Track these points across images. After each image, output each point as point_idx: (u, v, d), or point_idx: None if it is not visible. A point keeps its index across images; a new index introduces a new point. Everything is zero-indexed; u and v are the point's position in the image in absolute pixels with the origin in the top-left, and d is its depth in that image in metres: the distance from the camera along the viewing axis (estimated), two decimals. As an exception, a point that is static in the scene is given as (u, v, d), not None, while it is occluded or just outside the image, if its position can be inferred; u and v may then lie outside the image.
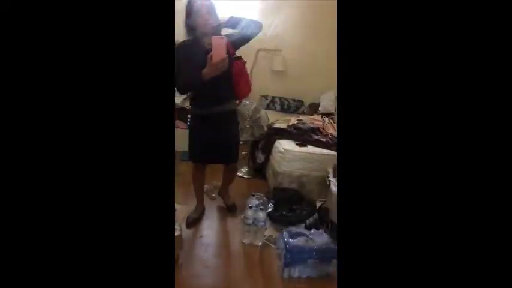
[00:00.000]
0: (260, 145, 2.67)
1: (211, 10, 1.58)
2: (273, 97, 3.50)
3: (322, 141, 2.36)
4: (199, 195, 2.01)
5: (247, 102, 2.54)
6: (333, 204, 1.75)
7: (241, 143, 2.07)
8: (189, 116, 1.98)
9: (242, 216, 1.87)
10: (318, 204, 2.04)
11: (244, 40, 1.67)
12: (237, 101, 1.93)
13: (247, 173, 2.74)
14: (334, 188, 1.77)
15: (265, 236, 1.81)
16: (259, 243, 1.79)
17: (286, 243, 1.56)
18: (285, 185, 2.24)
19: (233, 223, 2.01)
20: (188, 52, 1.62)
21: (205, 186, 2.12)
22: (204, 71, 1.50)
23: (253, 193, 1.90)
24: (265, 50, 3.32)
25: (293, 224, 1.85)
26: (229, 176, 2.07)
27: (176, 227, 1.58)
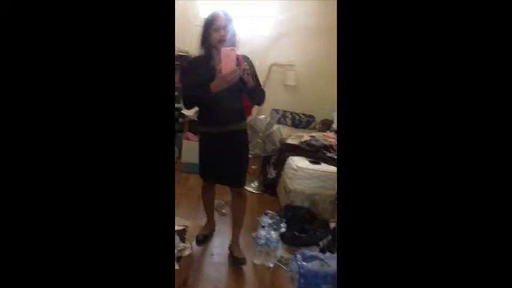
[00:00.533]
0: (272, 160, 2.64)
1: (230, 28, 1.55)
2: (285, 111, 3.48)
3: (335, 159, 2.32)
4: (209, 211, 1.95)
5: (261, 117, 2.52)
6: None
7: (250, 156, 2.01)
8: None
9: (254, 235, 1.81)
10: (332, 225, 1.99)
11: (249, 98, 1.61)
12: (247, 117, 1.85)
13: (257, 188, 2.69)
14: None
15: (277, 257, 1.75)
16: (271, 265, 1.73)
17: (300, 266, 1.50)
18: (297, 203, 2.19)
19: (244, 241, 1.96)
20: (198, 66, 1.61)
21: (216, 201, 2.08)
22: (213, 83, 1.44)
23: (266, 211, 1.86)
24: (278, 64, 3.32)
25: (306, 245, 1.79)
26: (238, 207, 1.78)
27: (186, 245, 1.54)
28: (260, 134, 2.49)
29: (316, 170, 2.22)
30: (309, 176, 2.20)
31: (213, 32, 1.52)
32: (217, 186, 1.93)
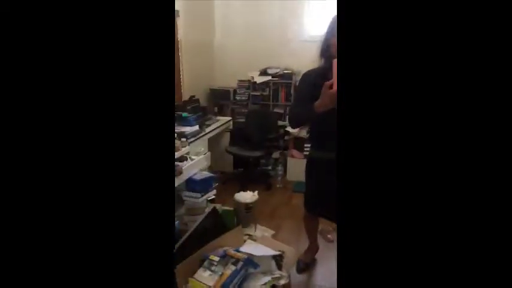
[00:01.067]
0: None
1: None
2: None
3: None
4: (312, 236, 1.77)
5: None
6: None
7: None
8: (305, 146, 1.79)
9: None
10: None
11: None
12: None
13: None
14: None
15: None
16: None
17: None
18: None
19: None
20: (313, 80, 1.35)
21: (321, 226, 1.86)
22: (317, 102, 1.21)
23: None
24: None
25: None
26: None
27: (283, 273, 1.39)
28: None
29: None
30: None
31: (334, 43, 1.23)
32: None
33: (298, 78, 1.75)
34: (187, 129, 2.25)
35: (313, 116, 1.25)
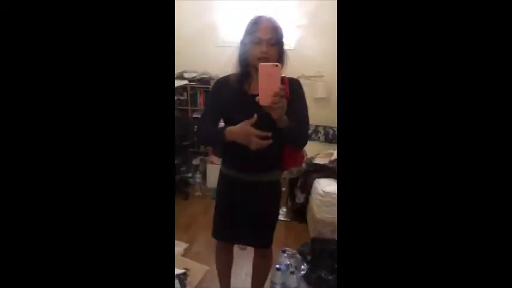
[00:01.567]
0: (299, 183, 2.35)
1: (276, 39, 1.07)
2: (316, 126, 3.18)
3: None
4: (224, 278, 1.47)
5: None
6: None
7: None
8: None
9: (270, 282, 1.54)
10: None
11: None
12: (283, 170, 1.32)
13: (286, 215, 2.41)
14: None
15: (298, 306, 1.45)
16: (291, 317, 1.42)
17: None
18: (327, 235, 1.86)
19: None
20: (223, 89, 1.17)
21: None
22: (230, 130, 1.06)
23: (283, 248, 1.57)
24: (306, 77, 3.06)
25: (335, 291, 1.46)
26: (260, 270, 1.44)
27: (188, 292, 1.33)
28: (283, 155, 2.23)
29: (347, 195, 1.88)
30: (338, 202, 1.87)
31: (252, 46, 1.07)
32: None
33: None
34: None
35: (222, 142, 1.10)
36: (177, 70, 3.09)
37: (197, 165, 3.05)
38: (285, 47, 1.14)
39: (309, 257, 1.67)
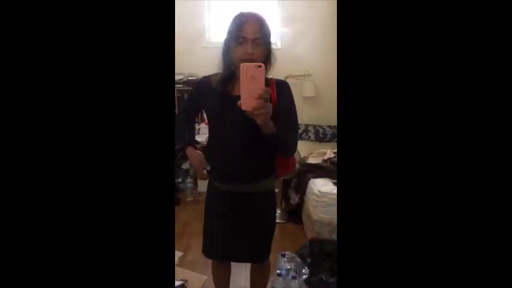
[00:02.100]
0: (293, 184, 2.32)
1: (262, 38, 0.99)
2: (306, 125, 3.17)
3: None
4: None
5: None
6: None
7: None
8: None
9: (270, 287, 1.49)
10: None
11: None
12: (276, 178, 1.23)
13: (280, 216, 2.38)
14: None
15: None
16: (294, 323, 1.39)
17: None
18: (325, 235, 1.84)
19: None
20: (203, 89, 1.10)
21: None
22: (187, 151, 1.08)
23: (282, 253, 1.54)
24: (294, 76, 3.04)
25: (337, 294, 1.43)
26: (259, 282, 1.35)
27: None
28: (276, 156, 2.20)
29: (343, 195, 1.87)
30: (335, 202, 1.85)
31: (236, 46, 0.99)
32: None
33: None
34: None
35: (182, 152, 1.16)
36: (163, 73, 3.01)
37: (187, 170, 2.97)
38: (272, 46, 1.06)
39: (308, 260, 1.64)
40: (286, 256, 1.50)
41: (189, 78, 2.98)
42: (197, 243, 2.08)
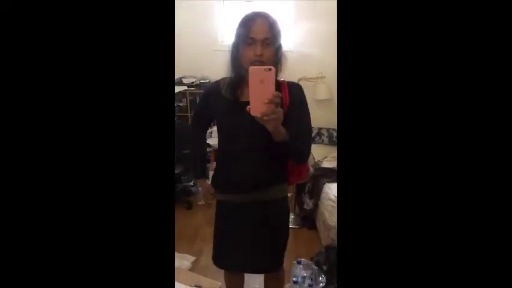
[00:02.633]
0: (307, 188, 2.27)
1: (273, 39, 0.94)
2: (320, 129, 3.11)
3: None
4: None
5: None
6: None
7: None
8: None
9: (285, 294, 1.45)
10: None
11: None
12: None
13: (294, 221, 2.32)
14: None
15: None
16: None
17: None
18: (341, 242, 1.77)
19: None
20: (214, 100, 1.06)
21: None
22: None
23: (298, 260, 1.49)
24: (307, 79, 3.00)
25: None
26: None
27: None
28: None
29: (361, 200, 1.81)
30: (351, 207, 1.79)
31: (245, 48, 0.95)
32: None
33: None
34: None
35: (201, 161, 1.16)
36: (176, 76, 3.02)
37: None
38: (284, 48, 1.01)
39: (325, 267, 1.59)
40: (302, 263, 1.45)
41: (201, 81, 2.97)
42: (210, 248, 2.04)
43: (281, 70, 1.00)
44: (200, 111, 1.23)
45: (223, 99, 1.02)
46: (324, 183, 2.05)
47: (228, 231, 1.14)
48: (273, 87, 0.81)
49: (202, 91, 2.93)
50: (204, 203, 2.71)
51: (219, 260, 1.20)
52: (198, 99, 3.02)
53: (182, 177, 2.87)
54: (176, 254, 1.52)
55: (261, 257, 1.13)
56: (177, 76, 3.02)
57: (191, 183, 2.90)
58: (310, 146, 1.11)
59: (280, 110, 0.84)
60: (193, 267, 1.85)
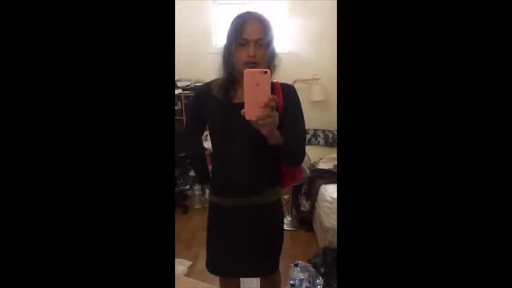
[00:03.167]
0: (303, 190, 2.26)
1: (266, 40, 0.91)
2: (315, 130, 3.12)
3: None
4: None
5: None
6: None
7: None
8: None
9: (283, 298, 1.43)
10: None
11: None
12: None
13: (290, 223, 2.32)
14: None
15: (315, 324, 1.35)
16: (309, 337, 1.32)
17: None
18: (338, 243, 1.77)
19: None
20: (205, 96, 1.04)
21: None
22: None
23: (295, 262, 1.48)
24: (302, 80, 3.01)
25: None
26: None
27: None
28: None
29: (357, 201, 1.80)
30: (348, 208, 1.79)
31: (238, 49, 0.92)
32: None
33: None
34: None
35: (199, 156, 1.13)
36: (170, 79, 3.01)
37: (195, 177, 2.94)
38: (278, 49, 0.99)
39: (322, 269, 1.58)
40: (299, 266, 1.44)
41: (196, 84, 2.96)
42: (205, 253, 2.05)
43: (274, 71, 0.98)
44: (193, 114, 1.18)
45: (215, 100, 1.00)
46: (320, 185, 2.04)
47: (221, 236, 1.12)
48: (268, 90, 0.80)
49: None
50: (200, 206, 2.70)
51: (213, 266, 1.18)
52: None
53: (178, 181, 2.85)
54: (172, 258, 1.51)
55: (255, 260, 1.11)
56: (171, 79, 3.01)
57: (187, 186, 2.88)
58: (305, 148, 1.09)
59: (275, 114, 0.82)
60: (190, 272, 1.83)
